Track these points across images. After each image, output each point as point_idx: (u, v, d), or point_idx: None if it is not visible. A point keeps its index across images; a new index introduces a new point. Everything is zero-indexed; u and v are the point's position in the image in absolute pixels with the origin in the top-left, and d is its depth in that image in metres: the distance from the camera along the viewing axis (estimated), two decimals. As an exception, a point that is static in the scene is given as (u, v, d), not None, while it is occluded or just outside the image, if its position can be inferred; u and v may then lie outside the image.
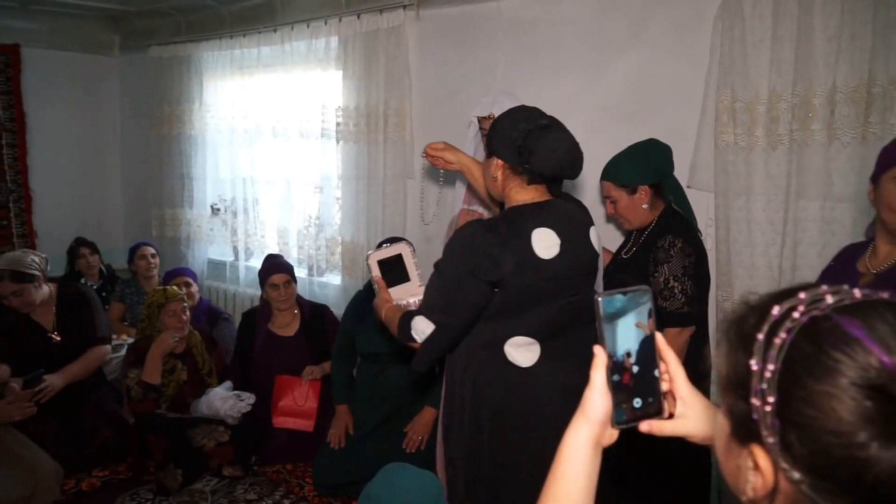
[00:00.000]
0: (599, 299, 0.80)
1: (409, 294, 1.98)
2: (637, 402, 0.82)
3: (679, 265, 2.12)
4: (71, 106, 5.21)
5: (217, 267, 4.73)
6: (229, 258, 4.65)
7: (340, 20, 3.72)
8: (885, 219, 1.72)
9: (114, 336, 3.91)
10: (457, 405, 1.83)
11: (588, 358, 1.73)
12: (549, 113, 3.06)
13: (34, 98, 4.95)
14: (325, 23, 3.80)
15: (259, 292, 3.56)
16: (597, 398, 0.81)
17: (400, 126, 3.53)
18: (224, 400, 3.12)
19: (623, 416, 0.81)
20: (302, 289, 4.13)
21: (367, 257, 1.96)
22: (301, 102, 4.00)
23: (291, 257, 4.17)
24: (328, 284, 4.06)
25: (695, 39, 2.64)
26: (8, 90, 4.81)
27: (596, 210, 2.95)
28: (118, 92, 5.48)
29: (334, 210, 3.93)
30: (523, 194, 1.76)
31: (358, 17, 3.64)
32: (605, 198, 2.36)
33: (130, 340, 3.60)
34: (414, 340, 1.71)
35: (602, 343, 0.81)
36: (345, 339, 3.06)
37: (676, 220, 2.27)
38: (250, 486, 3.01)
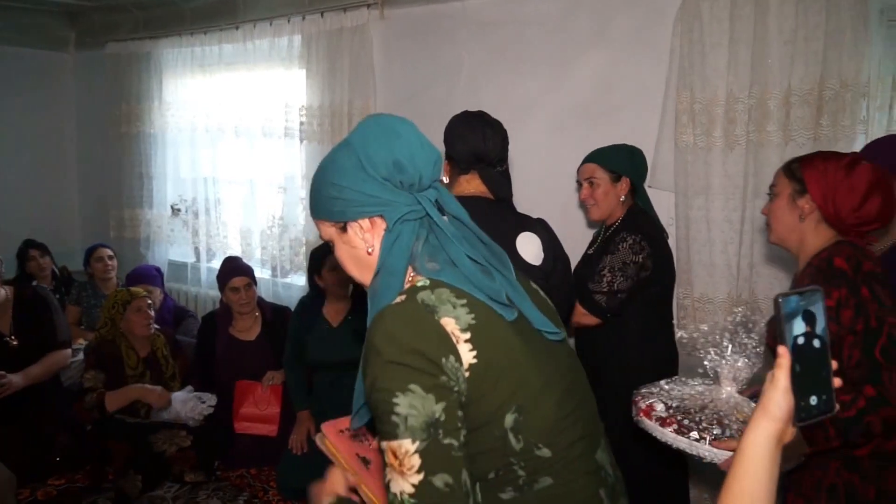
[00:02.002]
0: (780, 300, 0.83)
1: None
2: (813, 400, 0.84)
3: (620, 259, 2.15)
4: (24, 104, 5.04)
5: (178, 268, 4.63)
6: (190, 259, 4.56)
7: (304, 18, 3.68)
8: None
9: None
10: None
11: None
12: (513, 112, 3.08)
13: (-15, 96, 4.80)
14: (289, 21, 3.75)
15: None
16: (780, 397, 0.83)
17: (364, 125, 3.50)
18: (184, 402, 3.06)
19: (802, 413, 0.84)
20: (265, 290, 4.09)
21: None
22: (264, 101, 3.95)
23: (254, 258, 4.12)
24: (292, 285, 4.02)
25: (656, 41, 2.69)
26: (-43, 87, 4.65)
27: (556, 214, 2.99)
28: (74, 89, 5.32)
29: (298, 210, 3.88)
30: (458, 188, 1.84)
31: (321, 15, 3.60)
32: (585, 180, 2.32)
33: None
34: None
35: (785, 343, 0.83)
36: (293, 348, 3.05)
37: (641, 219, 2.30)
38: (213, 492, 2.96)
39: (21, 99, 5.01)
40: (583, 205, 2.45)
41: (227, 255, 4.33)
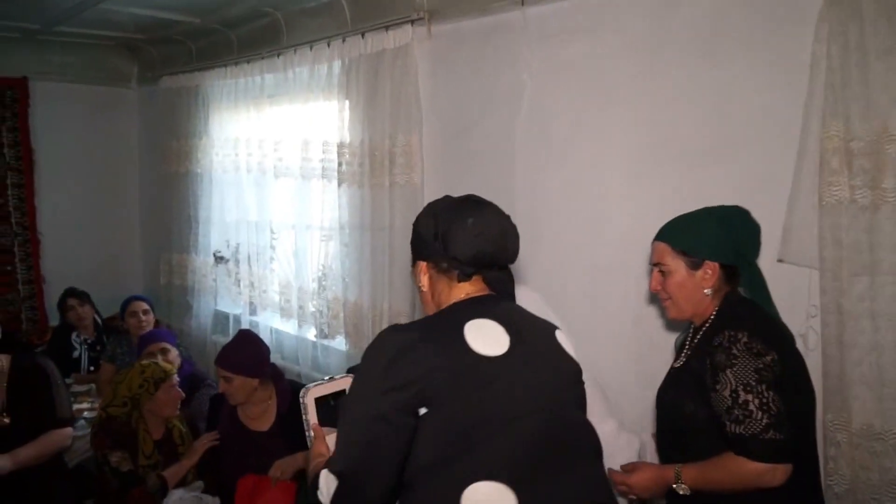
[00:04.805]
0: None
1: None
2: None
3: (749, 368, 1.43)
4: (85, 142, 4.86)
5: (222, 320, 4.21)
6: (235, 310, 4.11)
7: (344, 41, 3.14)
8: None
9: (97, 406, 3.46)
10: None
11: None
12: (587, 150, 2.36)
13: (44, 134, 4.64)
14: (329, 44, 3.23)
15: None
16: None
17: (408, 167, 2.89)
18: (179, 504, 2.53)
19: None
20: (305, 354, 3.57)
21: (303, 395, 1.51)
22: (303, 138, 3.44)
23: (293, 317, 3.61)
24: (332, 350, 3.45)
25: (789, 50, 1.88)
26: (14, 126, 4.50)
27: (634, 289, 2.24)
28: (137, 126, 5.12)
29: (337, 265, 3.32)
30: (457, 292, 1.35)
31: (362, 36, 3.04)
32: (654, 265, 1.67)
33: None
34: None
35: None
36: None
37: (744, 308, 1.58)
38: None
39: (81, 137, 4.83)
40: (655, 297, 1.71)
41: (271, 309, 3.88)
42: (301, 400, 1.50)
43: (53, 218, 4.69)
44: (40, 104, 4.60)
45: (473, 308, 1.31)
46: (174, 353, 3.33)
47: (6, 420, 2.76)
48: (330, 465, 1.23)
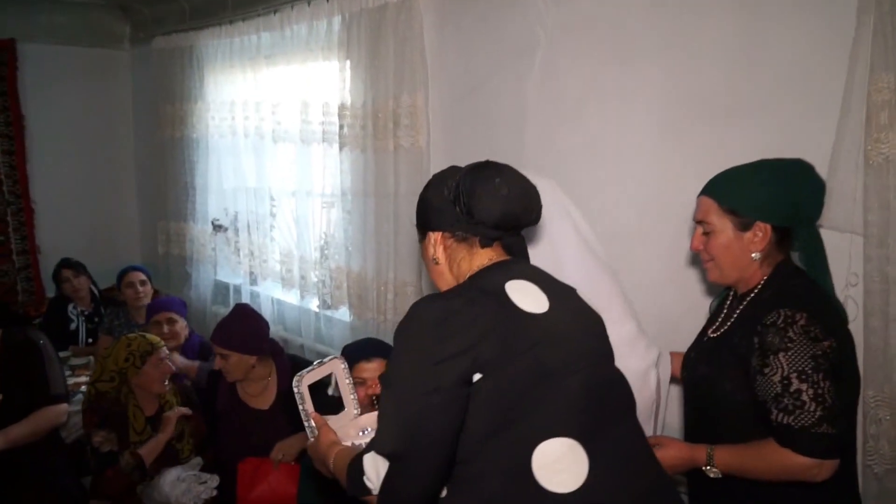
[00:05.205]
0: None
1: (355, 428, 1.50)
2: None
3: (805, 355, 1.29)
4: (77, 106, 4.68)
5: (223, 290, 4.10)
6: (235, 280, 3.99)
7: (344, -6, 2.96)
8: None
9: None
10: None
11: (644, 472, 1.23)
12: (607, 109, 2.21)
13: (35, 99, 4.46)
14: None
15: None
16: None
17: (413, 129, 2.73)
18: (175, 484, 2.44)
19: None
20: (307, 325, 3.46)
21: (297, 385, 1.45)
22: (302, 100, 3.27)
23: (295, 287, 3.49)
24: (335, 321, 3.33)
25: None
26: (3, 90, 4.33)
27: (663, 254, 2.11)
28: (130, 90, 4.93)
29: (340, 233, 3.19)
30: (479, 259, 1.27)
31: (364, -10, 2.86)
32: (698, 223, 1.51)
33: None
34: (370, 493, 1.20)
35: None
36: None
37: (800, 284, 1.42)
38: None
39: (73, 101, 4.65)
40: (696, 257, 1.58)
41: (269, 280, 3.76)
42: (295, 390, 1.43)
43: (47, 186, 4.55)
44: (29, 67, 4.41)
45: (505, 270, 1.24)
46: (181, 323, 3.24)
47: (-2, 397, 2.67)
48: (377, 446, 1.17)
